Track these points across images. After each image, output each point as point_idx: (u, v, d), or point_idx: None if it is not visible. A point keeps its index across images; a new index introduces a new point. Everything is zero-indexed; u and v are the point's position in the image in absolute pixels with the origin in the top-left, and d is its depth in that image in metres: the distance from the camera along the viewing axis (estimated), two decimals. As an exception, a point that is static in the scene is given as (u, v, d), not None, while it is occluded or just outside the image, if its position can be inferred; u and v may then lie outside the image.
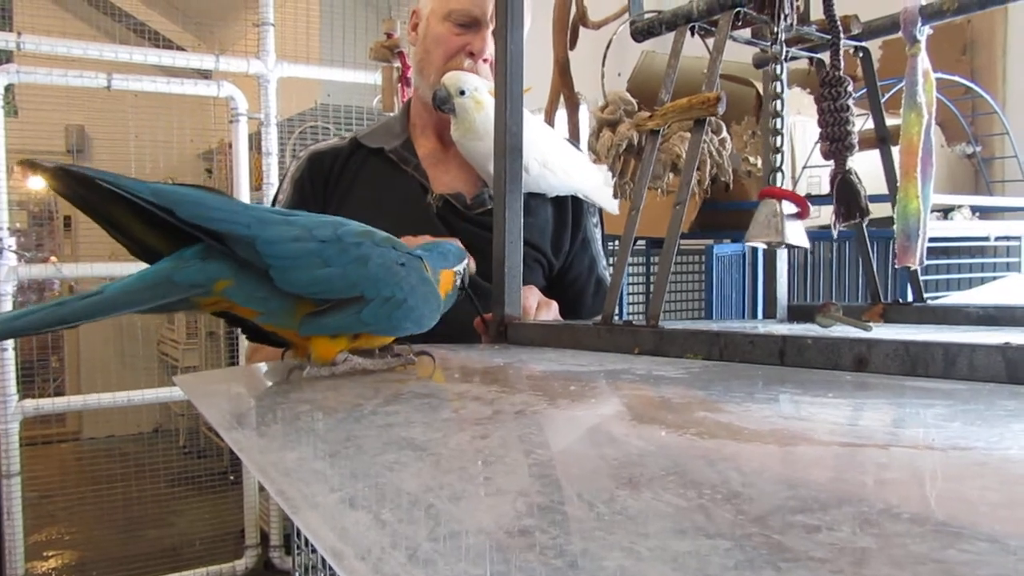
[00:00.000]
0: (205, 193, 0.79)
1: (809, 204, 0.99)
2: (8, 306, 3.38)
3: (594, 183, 1.57)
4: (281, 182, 1.57)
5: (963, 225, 1.95)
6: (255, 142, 4.06)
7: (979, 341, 0.67)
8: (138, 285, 0.76)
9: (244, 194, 3.88)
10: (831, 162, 1.07)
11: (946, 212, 1.97)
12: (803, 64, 1.20)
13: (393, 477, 0.49)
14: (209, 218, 0.76)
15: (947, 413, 0.55)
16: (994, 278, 1.92)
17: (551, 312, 1.30)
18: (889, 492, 0.40)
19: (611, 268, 1.70)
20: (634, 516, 0.39)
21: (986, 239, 1.96)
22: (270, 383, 0.90)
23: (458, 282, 1.03)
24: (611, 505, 0.41)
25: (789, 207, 0.98)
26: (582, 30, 3.28)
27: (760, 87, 2.01)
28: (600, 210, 1.64)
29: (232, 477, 4.96)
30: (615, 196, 1.69)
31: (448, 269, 1.01)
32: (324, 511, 0.45)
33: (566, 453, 0.53)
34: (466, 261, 1.06)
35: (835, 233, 1.07)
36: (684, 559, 0.34)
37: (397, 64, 3.57)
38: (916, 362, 0.69)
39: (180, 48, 5.34)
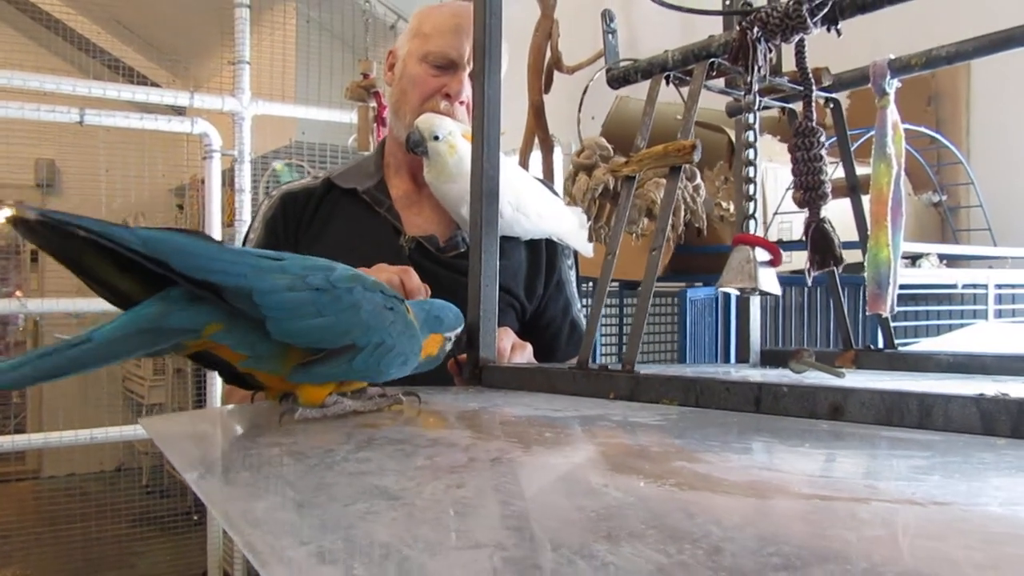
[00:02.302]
0: (195, 240, 0.76)
1: (781, 251, 1.00)
2: (-31, 341, 3.31)
3: (568, 226, 1.57)
4: (252, 220, 1.55)
5: (931, 273, 1.98)
6: (228, 178, 4.04)
7: (953, 391, 0.67)
8: (128, 332, 0.73)
9: (216, 230, 3.85)
10: (803, 210, 1.08)
11: (914, 259, 2.00)
12: (774, 112, 1.22)
13: (366, 528, 0.48)
14: (206, 269, 0.73)
15: (925, 465, 0.55)
16: (961, 325, 1.95)
17: (526, 354, 1.30)
18: (872, 549, 0.39)
19: (586, 310, 1.70)
20: (614, 573, 0.38)
21: (953, 286, 1.99)
22: (239, 427, 0.88)
23: (447, 348, 1.02)
24: (590, 561, 0.40)
25: (762, 254, 0.99)
26: (556, 74, 3.33)
27: (732, 134, 2.04)
28: (575, 252, 1.64)
29: (196, 517, 4.85)
30: (590, 239, 1.69)
31: (438, 334, 1.00)
32: (294, 566, 0.43)
33: (543, 504, 0.52)
34: (460, 329, 1.04)
35: (809, 280, 1.08)
36: (666, 620, 0.33)
37: (373, 104, 3.59)
38: (891, 412, 0.69)
39: (154, 84, 5.34)
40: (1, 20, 6.62)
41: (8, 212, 0.70)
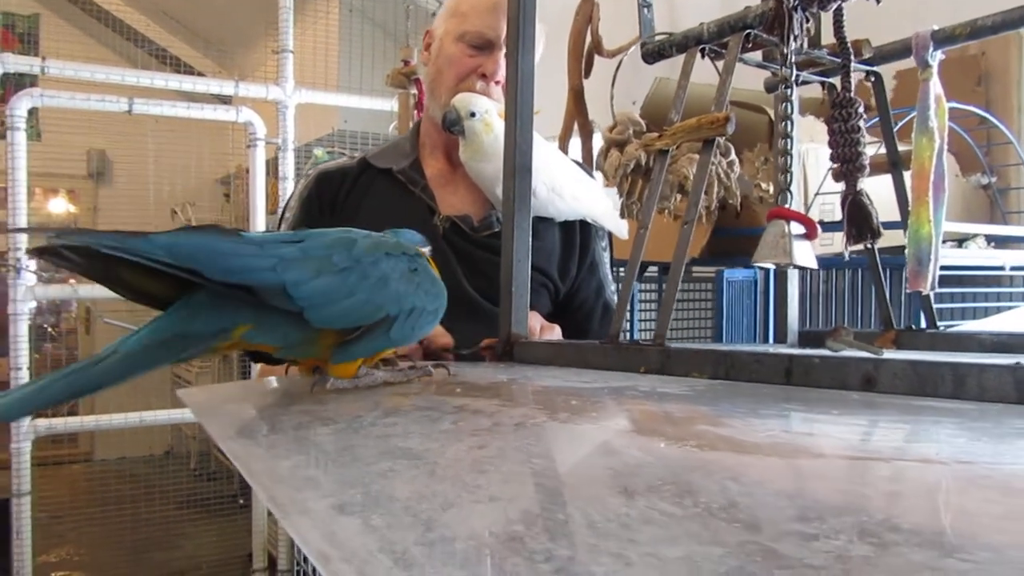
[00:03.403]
0: (216, 238, 0.74)
1: (818, 225, 0.99)
2: (24, 326, 3.40)
3: (603, 208, 1.56)
4: (288, 199, 1.57)
5: (978, 254, 1.93)
6: (272, 167, 4.09)
7: (989, 362, 0.65)
8: (156, 341, 0.72)
9: (260, 218, 3.90)
10: (843, 185, 1.06)
11: (961, 241, 1.95)
12: (817, 93, 1.19)
13: (386, 484, 0.48)
14: (236, 270, 0.72)
15: (954, 431, 0.54)
16: (1008, 308, 1.90)
17: (554, 336, 1.29)
18: (890, 503, 0.39)
19: (618, 293, 1.69)
20: (627, 524, 0.38)
21: (1001, 268, 1.94)
22: (273, 397, 0.90)
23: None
24: (604, 513, 0.40)
25: (797, 228, 0.98)
26: (597, 59, 3.30)
27: (772, 114, 2.01)
28: (609, 234, 1.63)
29: (242, 501, 4.95)
30: (622, 216, 1.68)
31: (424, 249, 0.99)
32: (313, 516, 0.44)
33: (562, 463, 0.52)
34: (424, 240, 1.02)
35: (846, 254, 1.06)
36: (674, 565, 0.33)
37: (414, 91, 3.60)
38: (925, 382, 0.67)
39: (200, 74, 5.42)
40: (52, 11, 6.78)
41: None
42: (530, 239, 1.14)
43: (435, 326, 0.92)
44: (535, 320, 1.25)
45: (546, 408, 0.68)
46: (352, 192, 1.49)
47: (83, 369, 0.70)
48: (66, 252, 0.69)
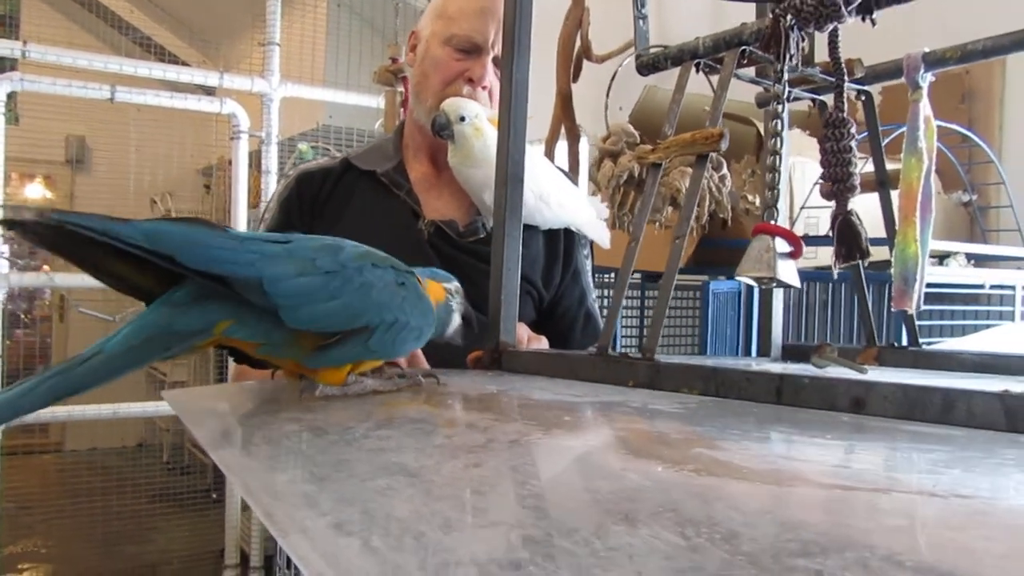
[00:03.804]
0: (200, 229, 0.74)
1: (803, 243, 0.99)
2: (-2, 314, 3.36)
3: (587, 217, 1.56)
4: (269, 200, 1.54)
5: (958, 272, 1.96)
6: (255, 160, 4.06)
7: (977, 387, 0.66)
8: (138, 340, 0.72)
9: (241, 211, 3.88)
10: (831, 203, 1.07)
11: (941, 259, 1.98)
12: (803, 106, 1.20)
13: (384, 503, 0.48)
14: (213, 260, 0.72)
15: (946, 459, 0.54)
16: (987, 326, 1.93)
17: (542, 343, 1.29)
18: (891, 538, 0.39)
19: (602, 301, 1.70)
20: (630, 553, 0.38)
21: (981, 287, 1.97)
22: (260, 403, 0.89)
23: (454, 304, 1.00)
24: (606, 540, 0.40)
25: (782, 245, 0.98)
26: (585, 64, 3.30)
27: (760, 127, 2.02)
28: (591, 242, 1.63)
29: (215, 495, 4.91)
30: (613, 227, 1.69)
31: (436, 282, 0.98)
32: (313, 536, 0.44)
33: (560, 485, 0.52)
34: (456, 283, 1.03)
35: (835, 274, 1.07)
36: (682, 600, 0.33)
37: (401, 89, 3.59)
38: (914, 406, 0.68)
39: (185, 63, 5.37)
40: (35, -4, 6.69)
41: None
42: (520, 248, 1.14)
43: (420, 344, 0.91)
44: (522, 331, 1.25)
45: (539, 424, 0.68)
46: (334, 193, 1.47)
47: (67, 370, 0.69)
48: (40, 229, 0.67)
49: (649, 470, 0.52)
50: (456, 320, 1.00)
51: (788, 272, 0.98)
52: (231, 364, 1.07)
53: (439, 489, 0.50)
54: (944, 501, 0.44)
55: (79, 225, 0.66)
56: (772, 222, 1.00)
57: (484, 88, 1.45)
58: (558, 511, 0.46)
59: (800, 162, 2.07)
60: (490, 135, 1.33)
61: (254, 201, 4.17)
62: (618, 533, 0.41)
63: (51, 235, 0.68)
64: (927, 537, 0.40)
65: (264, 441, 0.68)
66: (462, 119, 1.36)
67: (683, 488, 0.48)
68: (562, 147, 3.32)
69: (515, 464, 0.56)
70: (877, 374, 1.06)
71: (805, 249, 1.04)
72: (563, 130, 3.28)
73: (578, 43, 3.22)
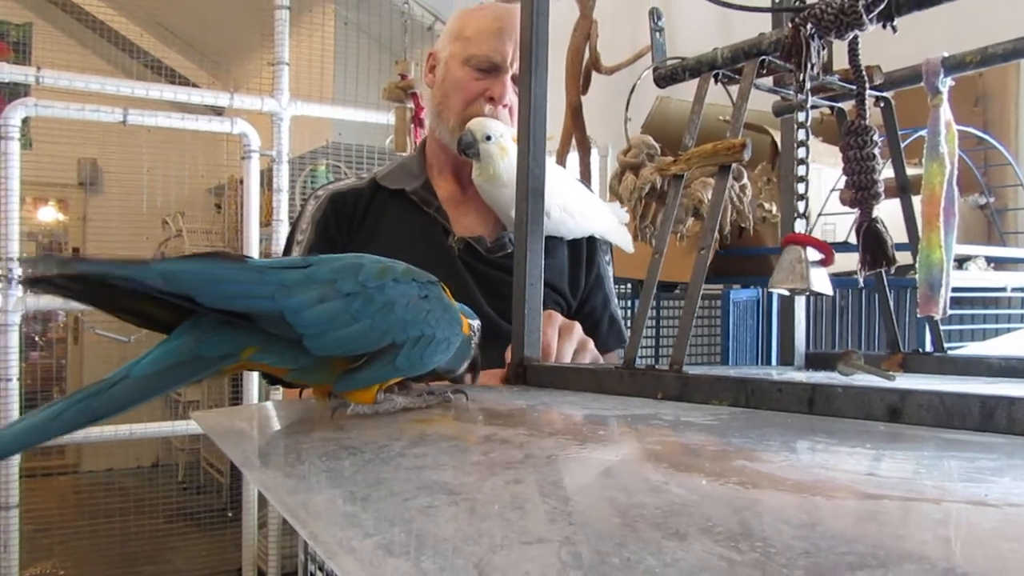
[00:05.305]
0: (217, 265, 0.74)
1: (834, 251, 0.99)
2: (15, 336, 3.37)
3: (609, 224, 1.58)
4: (296, 222, 1.55)
5: (979, 275, 1.95)
6: (266, 179, 4.08)
7: (1016, 394, 0.66)
8: (164, 366, 0.72)
9: (254, 230, 3.89)
10: (853, 210, 1.06)
11: (961, 262, 1.97)
12: (816, 112, 1.20)
13: (428, 523, 0.48)
14: (232, 297, 0.72)
15: (993, 467, 0.54)
16: (1009, 329, 1.91)
17: (574, 334, 1.28)
18: (948, 550, 0.39)
19: (622, 311, 1.71)
20: (687, 570, 0.38)
21: (1002, 290, 1.95)
22: (291, 421, 0.89)
23: (474, 339, 1.00)
24: (660, 557, 0.40)
25: (813, 254, 0.98)
26: (593, 75, 3.32)
27: (775, 135, 2.02)
28: (612, 247, 1.65)
29: (231, 514, 4.90)
30: (636, 239, 1.70)
31: (464, 316, 0.98)
32: (361, 557, 0.44)
33: (604, 500, 0.52)
34: (479, 321, 1.02)
35: (861, 281, 1.07)
36: (745, 616, 0.33)
37: (410, 105, 3.60)
38: (952, 414, 0.68)
39: (195, 85, 5.41)
40: (46, 21, 6.75)
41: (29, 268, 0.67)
42: (543, 262, 1.14)
43: (448, 355, 0.91)
44: (554, 321, 1.24)
45: (575, 439, 0.68)
46: (368, 213, 1.49)
47: (94, 395, 0.69)
48: (62, 282, 0.68)
49: (692, 483, 0.52)
50: (469, 358, 1.00)
51: (821, 281, 0.98)
52: (250, 378, 1.07)
53: (482, 507, 0.50)
54: (998, 511, 0.44)
55: (100, 274, 0.67)
56: (800, 231, 1.00)
57: (505, 106, 1.46)
58: (605, 526, 0.46)
59: (816, 168, 2.06)
60: (514, 153, 1.34)
61: (266, 219, 4.19)
62: (671, 549, 0.40)
63: (73, 285, 0.69)
64: (984, 549, 0.39)
65: (299, 461, 0.67)
66: (488, 138, 1.38)
67: (729, 501, 0.48)
68: (572, 158, 3.33)
69: (555, 480, 0.56)
70: (904, 381, 1.05)
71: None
72: (574, 141, 3.29)
73: (587, 55, 3.24)
